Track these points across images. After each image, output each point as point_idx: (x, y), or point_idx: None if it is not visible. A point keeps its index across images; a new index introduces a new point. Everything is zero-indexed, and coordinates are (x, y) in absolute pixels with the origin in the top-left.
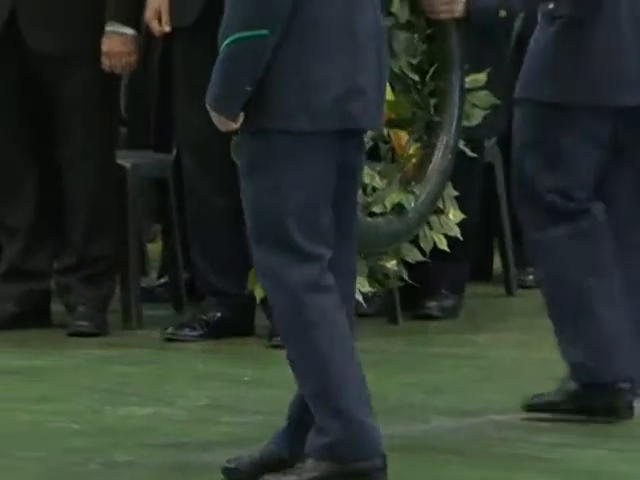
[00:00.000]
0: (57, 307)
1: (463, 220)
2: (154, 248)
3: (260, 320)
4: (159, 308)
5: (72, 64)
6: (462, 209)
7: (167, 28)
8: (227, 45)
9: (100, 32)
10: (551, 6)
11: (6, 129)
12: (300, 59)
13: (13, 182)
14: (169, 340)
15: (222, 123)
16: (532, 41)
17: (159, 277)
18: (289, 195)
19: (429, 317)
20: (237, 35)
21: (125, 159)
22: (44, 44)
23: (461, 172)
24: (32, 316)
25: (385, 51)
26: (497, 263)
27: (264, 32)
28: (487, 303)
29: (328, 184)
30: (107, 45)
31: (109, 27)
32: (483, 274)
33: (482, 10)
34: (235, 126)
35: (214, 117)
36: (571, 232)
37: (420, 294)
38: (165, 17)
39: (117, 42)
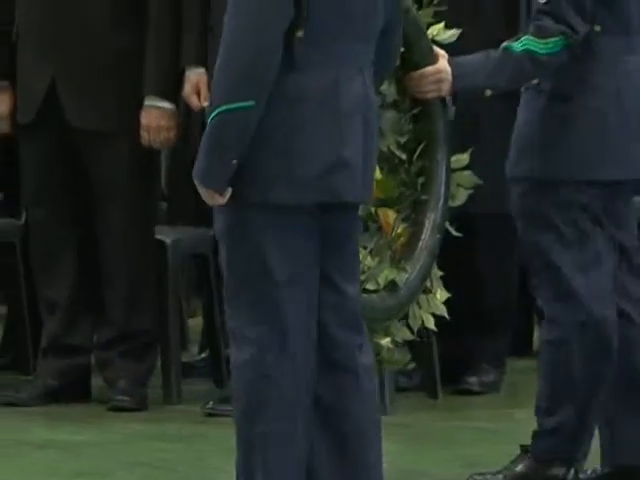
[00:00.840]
0: (97, 382)
1: (504, 291)
2: (195, 323)
3: None
4: (199, 383)
5: (111, 138)
6: (501, 280)
7: (206, 103)
8: (213, 117)
9: (139, 106)
10: (535, 81)
11: (46, 202)
12: (284, 132)
13: (52, 256)
14: (209, 415)
15: (209, 197)
16: (518, 117)
17: (200, 352)
18: (274, 269)
19: (469, 392)
20: (223, 107)
21: (165, 235)
22: (83, 118)
23: (499, 240)
24: (72, 391)
25: (374, 123)
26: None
27: (249, 104)
28: (528, 378)
29: (313, 258)
30: (146, 119)
31: (148, 101)
32: (524, 347)
33: (468, 90)
34: (222, 200)
35: (201, 191)
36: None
37: (460, 368)
38: (204, 92)
39: (156, 116)
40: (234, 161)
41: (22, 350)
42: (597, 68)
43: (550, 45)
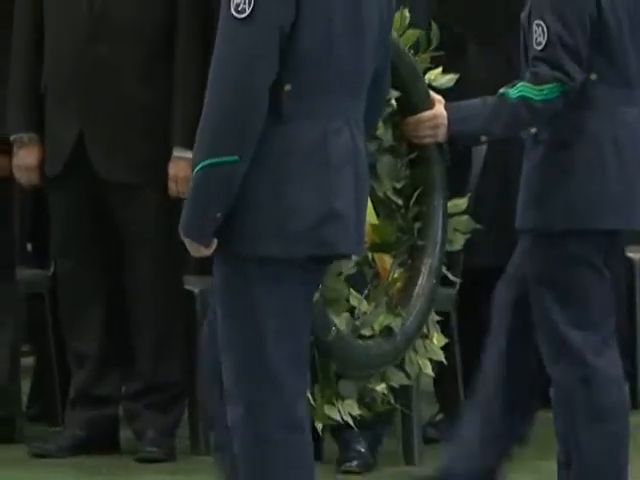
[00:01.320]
0: (126, 433)
1: None
2: None
3: (329, 445)
4: None
5: (139, 190)
6: None
7: None
8: (197, 172)
9: (167, 158)
10: (533, 130)
11: (75, 253)
12: (274, 185)
13: (81, 307)
14: None
15: (195, 249)
16: (523, 169)
17: None
18: (265, 322)
19: None
20: (207, 161)
21: (193, 284)
22: (111, 170)
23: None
24: (101, 442)
25: (364, 175)
26: None
27: (234, 158)
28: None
29: (305, 310)
30: (174, 170)
31: (176, 152)
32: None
33: (464, 135)
34: (208, 252)
35: (187, 243)
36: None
37: None
38: None
39: (183, 167)
40: (218, 215)
41: (50, 401)
42: (594, 117)
43: (545, 92)
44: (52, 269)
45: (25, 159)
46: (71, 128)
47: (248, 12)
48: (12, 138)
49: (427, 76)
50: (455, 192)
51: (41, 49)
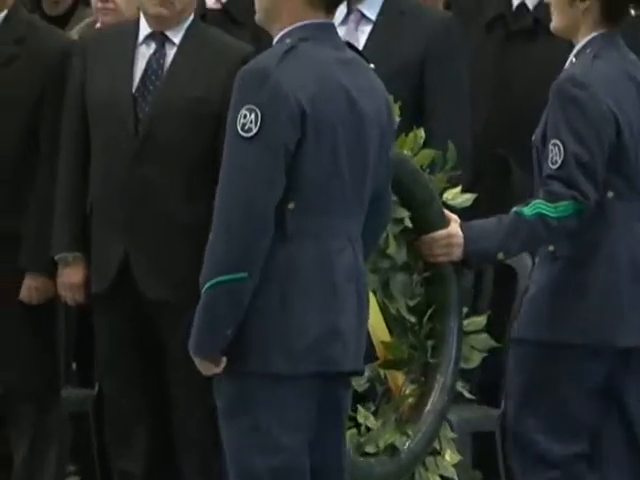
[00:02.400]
0: None
1: None
2: None
3: None
4: None
5: (183, 310)
6: None
7: None
8: (207, 289)
9: None
10: (551, 248)
11: (119, 373)
12: (279, 303)
13: (126, 426)
14: None
15: (204, 367)
16: (531, 282)
17: None
18: (268, 438)
19: None
20: (216, 279)
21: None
22: (156, 290)
23: None
24: None
25: (365, 292)
26: None
27: (243, 275)
28: None
29: (308, 426)
30: None
31: None
32: None
33: (480, 254)
34: (217, 370)
35: (197, 362)
36: None
37: None
38: None
39: None
40: (228, 332)
41: None
42: (611, 234)
43: (561, 209)
44: (97, 388)
45: (70, 278)
46: (116, 248)
47: (255, 131)
48: (57, 257)
49: (445, 195)
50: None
51: (87, 169)
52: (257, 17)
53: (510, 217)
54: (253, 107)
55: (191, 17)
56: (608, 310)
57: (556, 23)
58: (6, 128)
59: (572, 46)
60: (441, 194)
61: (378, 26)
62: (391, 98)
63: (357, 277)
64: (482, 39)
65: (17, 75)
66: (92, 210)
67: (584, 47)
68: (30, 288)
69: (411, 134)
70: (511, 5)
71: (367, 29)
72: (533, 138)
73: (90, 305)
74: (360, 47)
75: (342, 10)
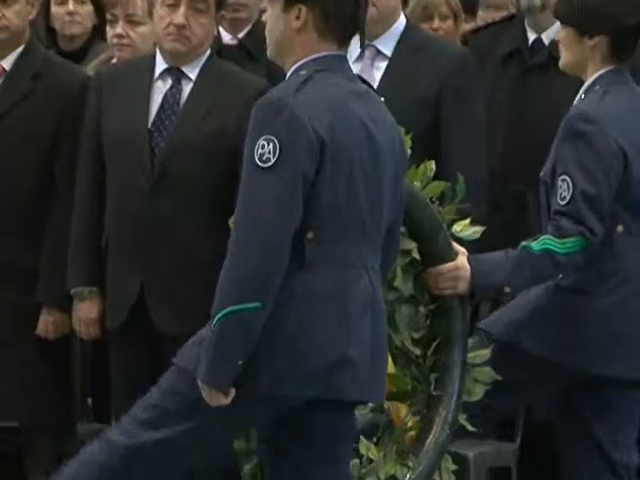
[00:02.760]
0: None
1: None
2: None
3: None
4: None
5: None
6: None
7: None
8: (219, 319)
9: None
10: (559, 276)
11: None
12: (293, 329)
13: None
14: None
15: (213, 398)
16: (532, 294)
17: None
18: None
19: None
20: (229, 308)
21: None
22: (171, 324)
23: None
24: None
25: (382, 322)
26: None
27: (256, 305)
28: None
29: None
30: None
31: None
32: None
33: (487, 287)
34: (226, 401)
35: (205, 392)
36: None
37: None
38: None
39: None
40: (240, 362)
41: None
42: (618, 268)
43: (569, 245)
44: (112, 423)
45: (86, 312)
46: (132, 282)
47: (273, 161)
48: (72, 292)
49: (454, 227)
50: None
51: (102, 203)
52: (269, 51)
53: (518, 252)
54: (271, 137)
55: (207, 52)
56: (608, 339)
57: (565, 60)
58: (22, 163)
59: None
60: (450, 226)
61: (394, 62)
62: (403, 130)
63: (373, 307)
64: (498, 74)
65: (33, 110)
66: (107, 244)
67: (593, 84)
68: (46, 322)
69: (421, 166)
70: (527, 40)
71: (382, 65)
72: (541, 173)
73: (105, 339)
74: (375, 83)
75: (357, 46)
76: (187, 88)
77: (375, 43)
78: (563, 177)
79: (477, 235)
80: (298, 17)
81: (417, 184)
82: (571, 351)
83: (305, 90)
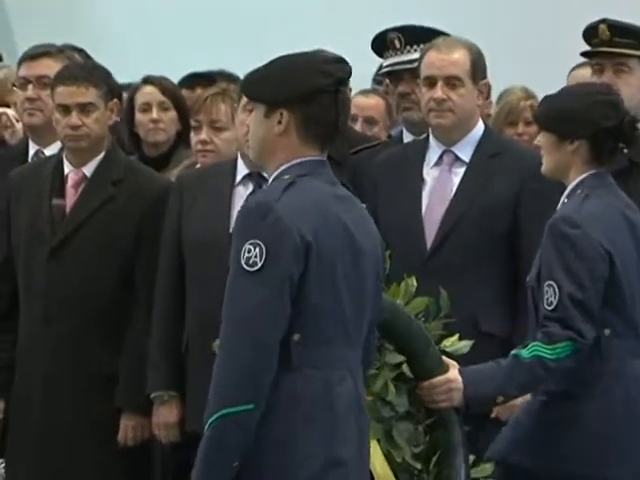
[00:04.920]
0: None
1: None
2: None
3: None
4: None
5: None
6: None
7: None
8: (213, 422)
9: None
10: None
11: None
12: (281, 433)
13: None
14: None
15: None
16: (524, 412)
17: None
18: None
19: None
20: (223, 411)
21: None
22: None
23: None
24: None
25: (365, 420)
26: None
27: (250, 407)
28: None
29: None
30: None
31: None
32: None
33: (479, 398)
34: None
35: None
36: None
37: None
38: None
39: None
40: (235, 463)
41: None
42: (606, 371)
43: (558, 350)
44: None
45: (165, 417)
46: None
47: (260, 265)
48: (152, 396)
49: (443, 343)
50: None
51: (182, 307)
52: (251, 154)
53: (508, 360)
54: (257, 242)
55: None
56: (599, 444)
57: (546, 165)
58: (103, 270)
59: None
60: (439, 342)
61: (472, 167)
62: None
63: (357, 408)
64: None
65: (114, 217)
66: (187, 348)
67: (575, 188)
68: (126, 428)
69: (402, 284)
70: None
71: (461, 171)
72: (527, 279)
73: (185, 443)
74: (454, 188)
75: (436, 151)
76: None
77: (453, 149)
78: (549, 282)
79: (467, 349)
80: (280, 122)
81: (400, 301)
82: (563, 459)
83: (289, 194)
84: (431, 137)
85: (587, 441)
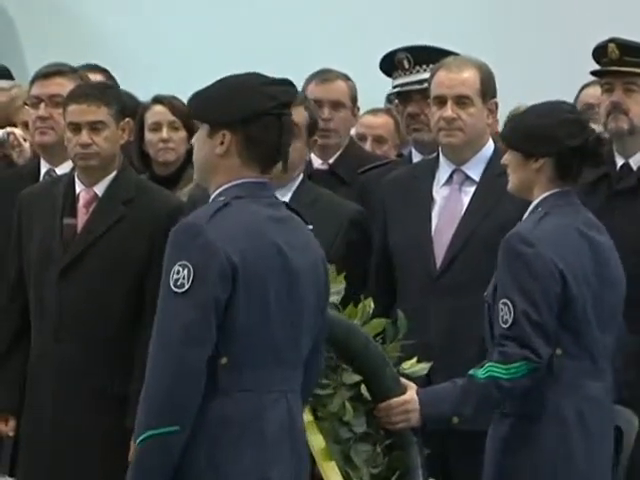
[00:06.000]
0: None
1: None
2: None
3: None
4: None
5: None
6: None
7: None
8: (139, 443)
9: None
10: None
11: None
12: (209, 456)
13: None
14: None
15: None
16: (488, 441)
17: None
18: None
19: None
20: (148, 432)
21: None
22: None
23: None
24: None
25: (302, 446)
26: None
27: (175, 428)
28: None
29: None
30: None
31: None
32: None
33: (435, 418)
34: None
35: None
36: None
37: None
38: None
39: None
40: None
41: None
42: (559, 391)
43: (513, 371)
44: None
45: None
46: None
47: (187, 287)
48: None
49: (402, 365)
50: None
51: None
52: (195, 174)
53: (464, 381)
54: (186, 263)
55: (300, 177)
56: (559, 465)
57: (512, 183)
58: (113, 290)
59: None
60: (397, 364)
61: (482, 187)
62: (332, 266)
63: (291, 434)
64: (586, 197)
65: (125, 236)
66: None
67: (536, 206)
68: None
69: (360, 305)
70: (615, 165)
71: (471, 190)
72: (485, 294)
73: None
74: (464, 207)
75: (446, 170)
76: None
77: (463, 168)
78: (504, 300)
79: (425, 371)
80: (222, 142)
81: (357, 322)
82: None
83: (220, 217)
84: (441, 156)
85: (548, 462)
